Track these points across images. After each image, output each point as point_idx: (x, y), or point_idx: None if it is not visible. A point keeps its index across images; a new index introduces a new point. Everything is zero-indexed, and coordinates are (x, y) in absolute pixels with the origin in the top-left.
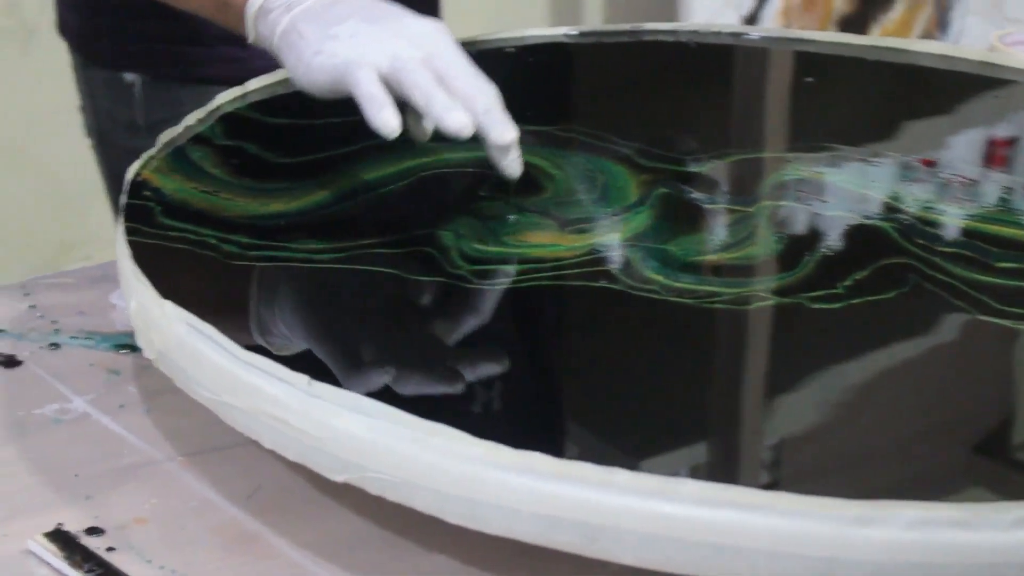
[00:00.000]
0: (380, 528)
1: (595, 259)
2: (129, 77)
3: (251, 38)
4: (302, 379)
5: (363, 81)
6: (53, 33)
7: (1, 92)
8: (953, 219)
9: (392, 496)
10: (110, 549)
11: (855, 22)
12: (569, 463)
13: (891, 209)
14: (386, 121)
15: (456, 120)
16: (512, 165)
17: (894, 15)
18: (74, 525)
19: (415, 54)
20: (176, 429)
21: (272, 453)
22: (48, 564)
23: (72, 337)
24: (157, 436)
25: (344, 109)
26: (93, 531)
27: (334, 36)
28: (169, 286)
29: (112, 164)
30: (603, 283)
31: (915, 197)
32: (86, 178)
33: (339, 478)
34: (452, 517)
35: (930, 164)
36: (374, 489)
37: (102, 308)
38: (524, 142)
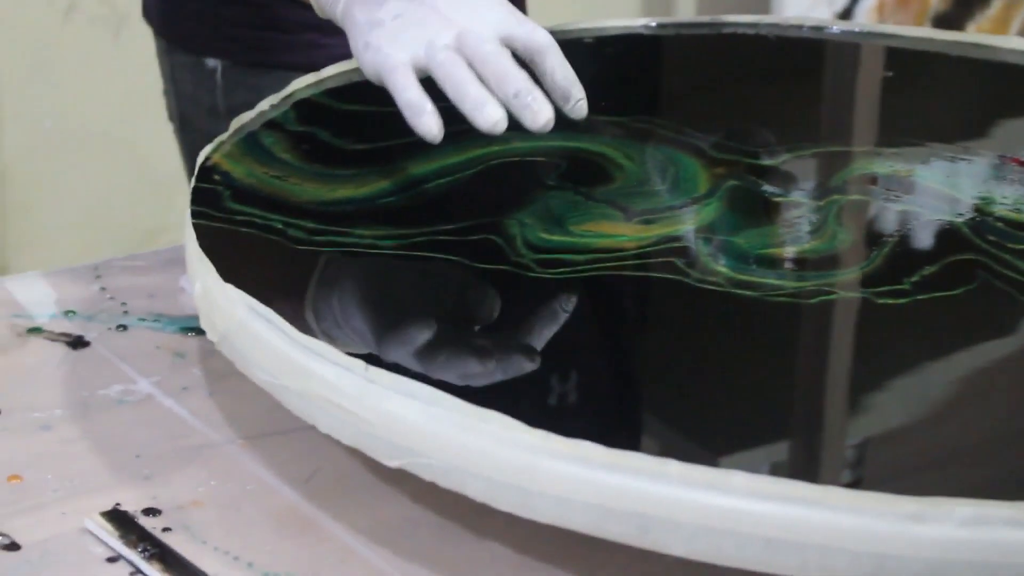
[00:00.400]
0: (435, 515)
1: (660, 250)
2: (211, 62)
3: (318, 12)
4: (359, 364)
5: (399, 87)
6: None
7: (94, 78)
8: None
9: (444, 483)
10: (166, 530)
11: (951, 19)
12: (621, 453)
13: (964, 206)
14: (427, 127)
15: (487, 117)
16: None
17: (991, 12)
18: (132, 505)
19: (447, 38)
20: (238, 412)
21: (329, 438)
22: (104, 543)
23: (140, 319)
24: (219, 419)
25: None
26: (150, 511)
27: (379, 23)
28: (233, 269)
29: (193, 148)
30: (666, 274)
31: (989, 194)
32: (173, 165)
33: (393, 463)
34: (503, 505)
35: (1009, 161)
36: (427, 475)
37: (171, 291)
38: (595, 132)
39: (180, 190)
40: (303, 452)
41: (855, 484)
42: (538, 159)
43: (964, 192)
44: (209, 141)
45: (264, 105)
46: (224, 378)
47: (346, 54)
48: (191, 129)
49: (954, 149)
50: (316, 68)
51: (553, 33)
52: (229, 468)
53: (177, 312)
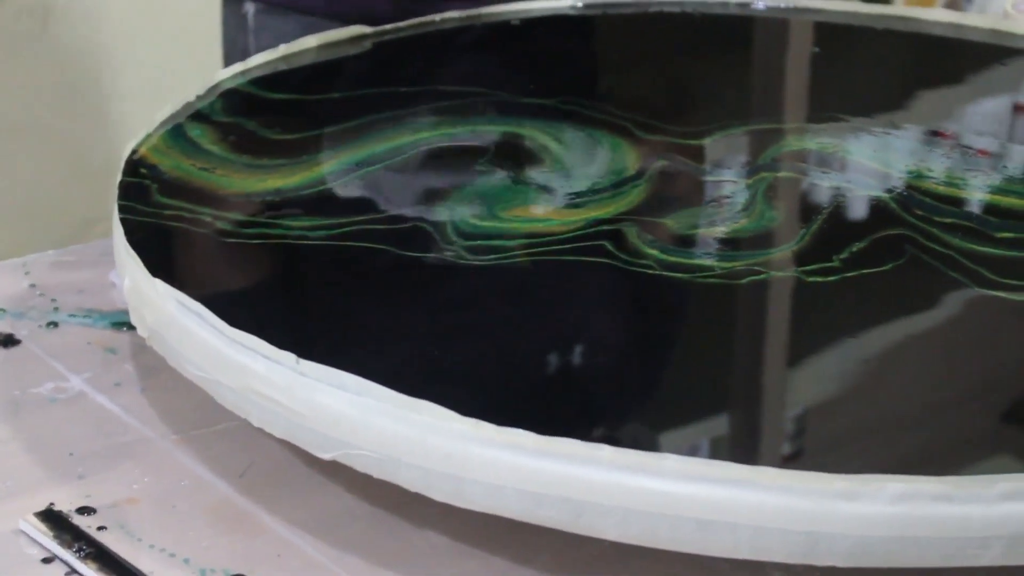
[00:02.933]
0: (371, 505)
1: (590, 234)
2: (247, 5)
3: None
4: (290, 357)
5: None
6: (71, 8)
7: (24, 69)
8: (953, 189)
9: (378, 474)
10: (101, 528)
11: None
12: (553, 439)
13: (892, 180)
14: None
15: None
16: None
17: None
18: (66, 504)
19: None
20: (171, 408)
21: (262, 431)
22: (39, 544)
23: (71, 315)
24: (152, 415)
25: (344, 84)
26: (85, 510)
27: None
28: (162, 264)
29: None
30: (597, 258)
31: (917, 168)
32: (106, 152)
33: (326, 456)
34: (437, 494)
35: (935, 135)
36: (360, 467)
37: (102, 286)
38: (524, 115)
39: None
40: (236, 446)
41: (786, 463)
42: (467, 144)
43: (892, 167)
44: None
45: (190, 96)
46: (156, 373)
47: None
48: None
49: (882, 123)
50: (336, 13)
51: (479, 16)
52: (163, 464)
53: (108, 307)
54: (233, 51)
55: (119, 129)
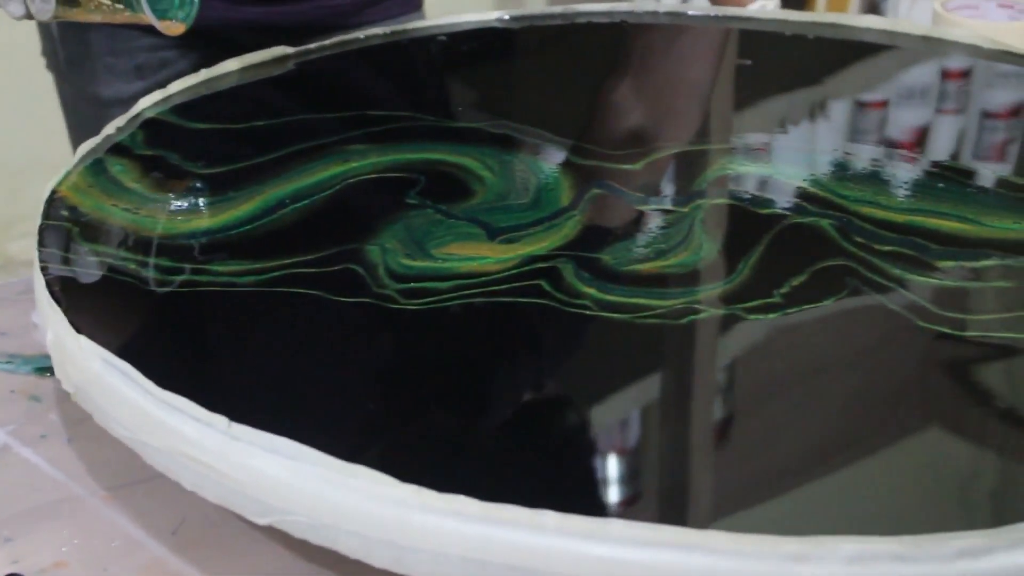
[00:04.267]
0: (309, 563)
1: (525, 272)
2: None
3: None
4: (221, 420)
5: None
6: None
7: None
8: (892, 214)
9: (316, 540)
10: None
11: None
12: (495, 506)
13: (830, 205)
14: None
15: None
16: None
17: None
18: None
19: None
20: (100, 460)
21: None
22: None
23: None
24: (80, 469)
25: (268, 110)
26: None
27: None
28: (86, 317)
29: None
30: (533, 299)
31: (853, 190)
32: (20, 152)
33: (262, 521)
34: (378, 561)
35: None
36: (298, 532)
37: (23, 328)
38: (454, 141)
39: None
40: (168, 501)
41: (736, 525)
42: (396, 175)
43: (828, 189)
44: (64, 94)
45: (110, 128)
46: (83, 422)
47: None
48: (59, 80)
49: (815, 140)
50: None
51: (405, 32)
52: (93, 523)
53: (31, 350)
54: (51, 59)
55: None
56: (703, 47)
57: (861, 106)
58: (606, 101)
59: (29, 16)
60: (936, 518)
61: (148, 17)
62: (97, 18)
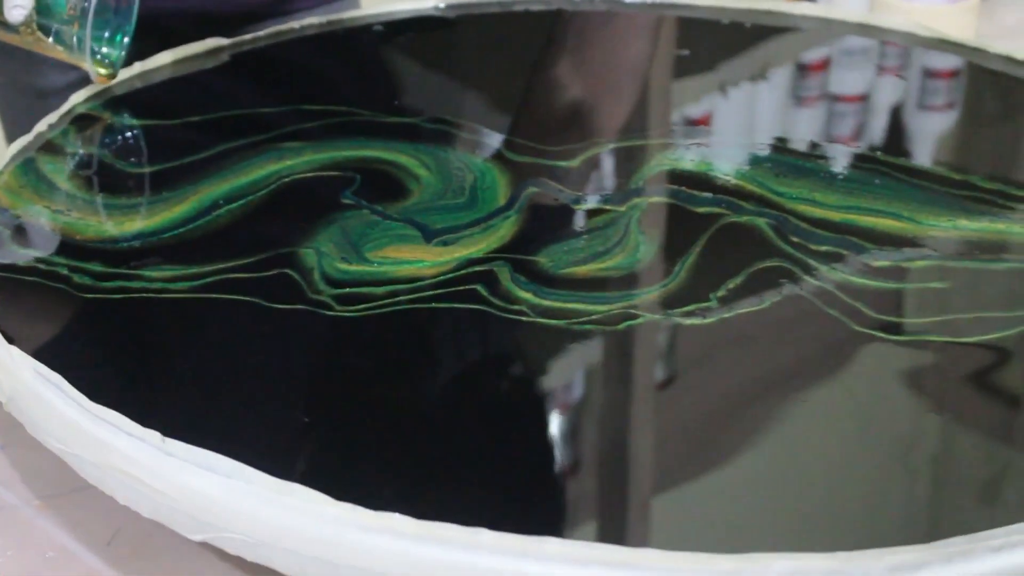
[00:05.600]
0: (245, 574)
1: (461, 276)
2: None
3: None
4: (155, 435)
5: None
6: None
7: None
8: (830, 211)
9: (251, 557)
10: None
11: None
12: (430, 524)
13: (766, 203)
14: None
15: None
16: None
17: None
18: None
19: None
20: (33, 468)
21: None
22: None
23: None
24: (13, 476)
25: (202, 104)
26: None
27: None
28: (18, 325)
29: None
30: (469, 304)
31: (791, 187)
32: None
33: (196, 537)
34: None
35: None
36: (232, 549)
37: None
38: (389, 137)
39: None
40: (103, 511)
41: (670, 543)
42: (331, 174)
43: (765, 186)
44: None
45: (42, 125)
46: (16, 428)
47: None
48: None
49: (753, 133)
50: None
51: (341, 22)
52: (26, 534)
53: None
54: None
55: None
56: (639, 26)
57: (799, 98)
58: (542, 77)
59: None
60: (870, 533)
61: (85, 64)
62: (32, 48)
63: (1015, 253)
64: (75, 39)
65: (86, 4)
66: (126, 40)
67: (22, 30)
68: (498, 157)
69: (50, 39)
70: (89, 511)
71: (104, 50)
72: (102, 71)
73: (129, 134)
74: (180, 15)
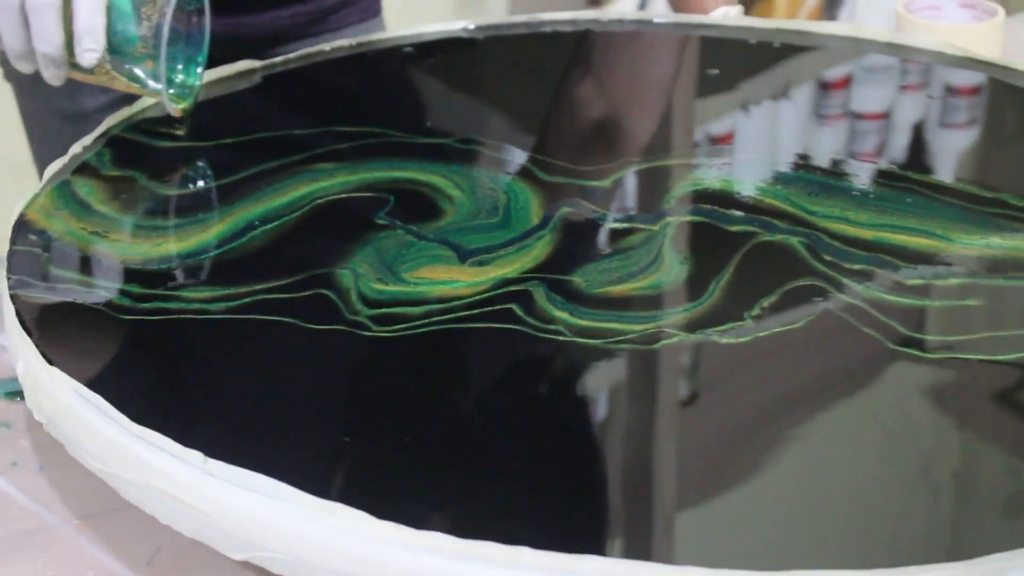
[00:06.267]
0: None
1: (496, 296)
2: None
3: None
4: (196, 455)
5: None
6: None
7: None
8: (862, 230)
9: (292, 575)
10: None
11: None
12: (473, 543)
13: (798, 221)
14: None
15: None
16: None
17: None
18: None
19: None
20: (72, 488)
21: None
22: None
23: None
24: (52, 497)
25: (236, 127)
26: None
27: None
28: (57, 347)
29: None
30: (505, 324)
31: (823, 206)
32: None
33: (238, 556)
34: None
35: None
36: (274, 568)
37: None
38: (422, 158)
39: None
40: (143, 530)
41: (711, 560)
42: (365, 194)
43: (797, 205)
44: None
45: (77, 148)
46: (54, 447)
47: None
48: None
49: (786, 155)
50: None
51: (371, 43)
52: (66, 553)
53: (0, 372)
54: None
55: None
56: (664, 45)
57: (824, 116)
58: (569, 95)
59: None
60: (898, 550)
61: (163, 98)
62: (108, 86)
63: None
64: (150, 74)
65: (156, 41)
66: (199, 70)
67: (96, 70)
68: (530, 177)
69: (123, 77)
70: (129, 531)
71: (179, 79)
72: (180, 104)
73: (163, 156)
74: (211, 39)
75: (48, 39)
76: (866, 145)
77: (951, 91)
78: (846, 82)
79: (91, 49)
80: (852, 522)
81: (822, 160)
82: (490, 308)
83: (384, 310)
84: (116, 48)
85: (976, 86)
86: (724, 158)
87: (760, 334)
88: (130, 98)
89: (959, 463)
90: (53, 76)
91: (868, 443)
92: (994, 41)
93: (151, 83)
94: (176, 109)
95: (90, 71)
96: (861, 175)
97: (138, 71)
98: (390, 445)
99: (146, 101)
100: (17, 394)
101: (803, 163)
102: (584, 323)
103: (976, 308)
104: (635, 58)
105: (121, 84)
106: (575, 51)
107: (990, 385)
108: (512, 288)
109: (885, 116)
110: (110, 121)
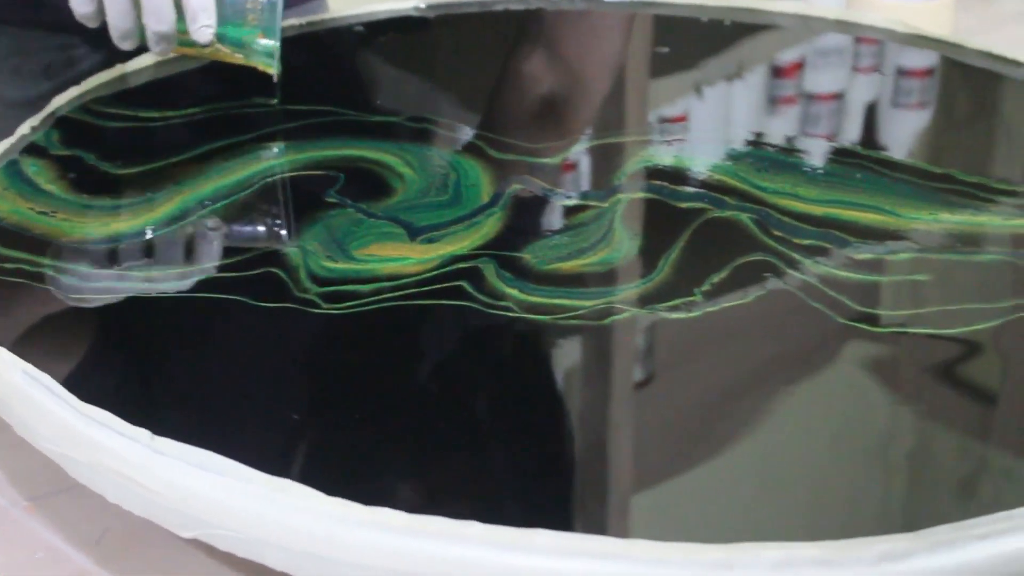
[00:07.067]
0: (234, 573)
1: (447, 273)
2: None
3: None
4: (144, 434)
5: None
6: None
7: None
8: (811, 206)
9: (242, 553)
10: None
11: None
12: (422, 517)
13: (749, 198)
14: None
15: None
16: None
17: None
18: None
19: None
20: (21, 468)
21: None
22: None
23: None
24: (1, 479)
25: (185, 105)
26: None
27: None
28: (6, 326)
29: None
30: (456, 301)
31: (772, 182)
32: None
33: (187, 534)
34: (305, 574)
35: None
36: (224, 546)
37: None
38: (372, 136)
39: None
40: (92, 510)
41: (659, 533)
42: (315, 172)
43: (747, 181)
44: None
45: (24, 128)
46: (3, 430)
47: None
48: None
49: (733, 128)
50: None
51: (322, 22)
52: (15, 535)
53: None
54: None
55: None
56: (613, 21)
57: (776, 96)
58: (517, 71)
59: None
60: (854, 523)
61: (273, 69)
62: (209, 58)
63: (995, 245)
64: (255, 43)
65: (270, 11)
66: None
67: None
68: (481, 154)
69: (227, 47)
70: (78, 511)
71: (267, 43)
72: (275, 70)
73: (111, 136)
74: (34, 26)
75: (163, 18)
76: (819, 125)
77: (904, 73)
78: (800, 63)
79: (207, 25)
80: (803, 497)
81: (774, 138)
82: (440, 285)
83: (333, 288)
84: (227, 20)
85: (929, 68)
86: (676, 135)
87: (710, 309)
88: (77, 80)
89: (910, 437)
90: (163, 51)
91: (818, 418)
92: (945, 20)
93: (259, 51)
94: (277, 74)
95: (205, 46)
96: (812, 152)
97: (244, 39)
98: (340, 422)
99: (94, 81)
100: None
101: (754, 140)
102: (534, 299)
103: (926, 283)
104: (583, 33)
105: (223, 54)
106: (523, 27)
107: (939, 359)
108: (462, 265)
109: (838, 97)
110: (58, 101)
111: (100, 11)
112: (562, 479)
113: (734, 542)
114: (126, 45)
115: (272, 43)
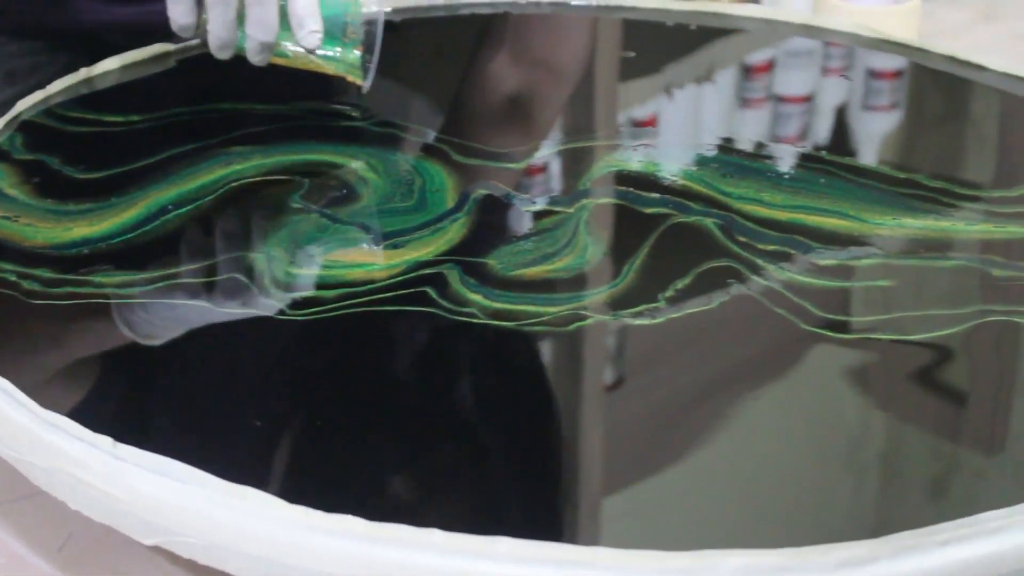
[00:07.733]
0: None
1: (412, 279)
2: None
3: None
4: (106, 440)
5: None
6: None
7: None
8: (776, 211)
9: (204, 560)
10: None
11: None
12: (383, 525)
13: (713, 203)
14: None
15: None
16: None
17: None
18: None
19: None
20: None
21: None
22: None
23: None
24: None
25: (150, 110)
26: None
27: None
28: None
29: None
30: (420, 307)
31: (737, 187)
32: None
33: (148, 541)
34: None
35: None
36: (184, 553)
37: None
38: (338, 141)
39: None
40: (54, 517)
41: (622, 541)
42: (281, 177)
43: (712, 186)
44: None
45: None
46: None
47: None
48: None
49: (699, 133)
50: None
51: None
52: None
53: None
54: None
55: None
56: (577, 24)
57: (744, 99)
58: (481, 72)
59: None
60: (820, 530)
61: (362, 81)
62: (298, 67)
63: (959, 250)
64: (350, 55)
65: (370, 28)
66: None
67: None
68: (446, 159)
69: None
70: (40, 517)
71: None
72: (360, 81)
73: (75, 140)
74: (119, 28)
75: (269, 28)
76: (787, 128)
77: (872, 74)
78: (769, 66)
79: (315, 31)
80: (769, 503)
81: (740, 142)
82: (404, 291)
83: (298, 294)
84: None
85: (897, 69)
86: (640, 140)
87: (674, 315)
88: (41, 84)
89: (876, 442)
90: (262, 61)
91: (784, 424)
92: (910, 24)
93: (352, 62)
94: (367, 85)
95: (285, 54)
96: (777, 157)
97: (337, 51)
98: (303, 429)
99: (58, 85)
100: None
101: (720, 145)
102: (498, 305)
103: (890, 288)
104: (546, 36)
105: (315, 64)
106: (487, 29)
107: (904, 364)
108: (426, 271)
109: (808, 99)
110: (22, 105)
111: (200, 22)
112: (525, 486)
113: (701, 548)
114: (224, 55)
115: (362, 55)
